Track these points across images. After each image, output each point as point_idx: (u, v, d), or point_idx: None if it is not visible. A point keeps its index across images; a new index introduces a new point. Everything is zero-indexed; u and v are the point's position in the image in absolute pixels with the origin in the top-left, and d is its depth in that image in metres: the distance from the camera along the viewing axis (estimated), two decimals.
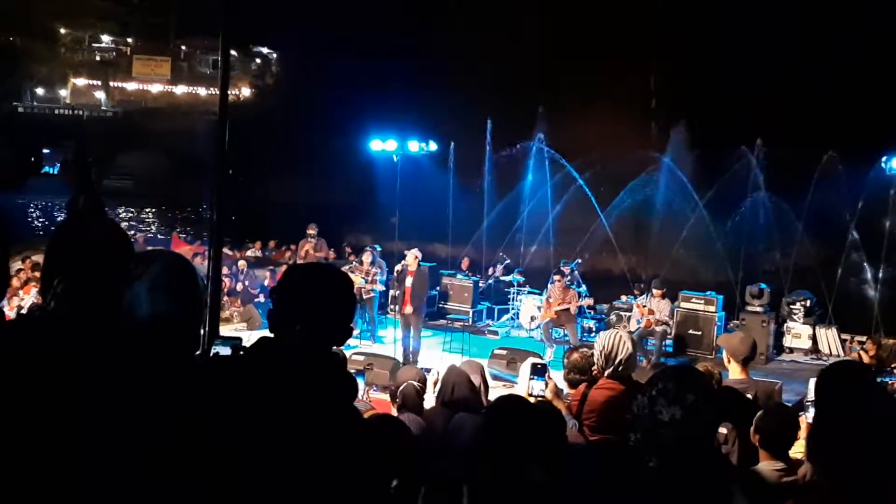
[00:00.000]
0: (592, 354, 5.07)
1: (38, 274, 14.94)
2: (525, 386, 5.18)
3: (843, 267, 19.60)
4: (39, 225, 36.21)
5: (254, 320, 16.08)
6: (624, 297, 17.44)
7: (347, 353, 10.44)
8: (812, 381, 5.84)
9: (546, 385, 4.96)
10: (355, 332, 15.51)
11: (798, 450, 4.65)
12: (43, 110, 66.19)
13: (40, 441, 2.04)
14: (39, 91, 69.70)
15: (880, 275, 19.68)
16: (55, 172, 53.79)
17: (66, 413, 2.07)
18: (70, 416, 2.07)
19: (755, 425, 4.26)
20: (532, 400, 5.02)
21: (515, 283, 18.15)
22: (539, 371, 5.02)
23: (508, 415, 3.35)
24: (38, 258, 16.50)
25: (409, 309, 13.59)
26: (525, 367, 5.37)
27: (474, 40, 35.06)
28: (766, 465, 4.14)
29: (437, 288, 17.71)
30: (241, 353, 2.66)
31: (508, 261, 20.12)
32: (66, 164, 52.76)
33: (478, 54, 35.29)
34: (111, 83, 73.15)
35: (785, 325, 16.55)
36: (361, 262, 15.77)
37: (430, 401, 5.53)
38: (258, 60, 73.12)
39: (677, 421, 2.29)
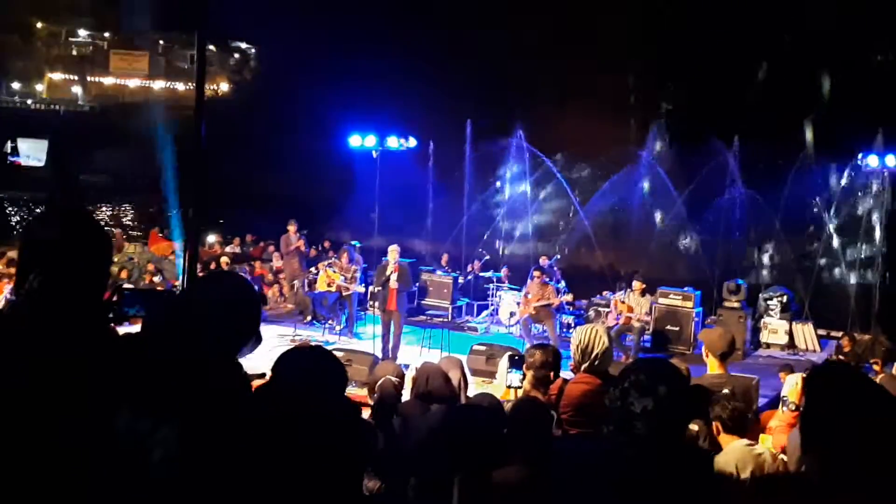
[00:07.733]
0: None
1: (13, 270, 14.76)
2: (503, 380, 5.22)
3: (819, 263, 19.77)
4: (15, 221, 35.83)
5: None
6: (603, 293, 17.50)
7: (327, 349, 10.32)
8: (787, 377, 5.96)
9: (524, 376, 5.02)
10: (336, 329, 15.52)
11: (767, 445, 4.74)
12: (18, 105, 65.42)
13: (11, 438, 2.03)
14: (15, 85, 68.89)
15: (856, 271, 19.87)
16: (32, 166, 53.28)
17: (38, 409, 2.05)
18: (43, 413, 2.05)
19: (713, 415, 4.38)
20: (510, 392, 5.09)
21: (495, 279, 18.17)
22: (516, 363, 5.07)
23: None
24: (14, 254, 16.31)
25: (393, 306, 13.53)
26: (503, 363, 5.41)
27: (454, 38, 35.06)
28: (736, 445, 4.26)
29: (417, 284, 17.70)
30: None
31: (488, 257, 20.13)
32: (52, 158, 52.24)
33: (458, 51, 35.29)
34: (88, 78, 72.48)
35: (762, 320, 16.64)
36: (340, 260, 15.72)
37: (407, 397, 5.53)
38: (236, 55, 72.74)
39: (649, 412, 2.30)
